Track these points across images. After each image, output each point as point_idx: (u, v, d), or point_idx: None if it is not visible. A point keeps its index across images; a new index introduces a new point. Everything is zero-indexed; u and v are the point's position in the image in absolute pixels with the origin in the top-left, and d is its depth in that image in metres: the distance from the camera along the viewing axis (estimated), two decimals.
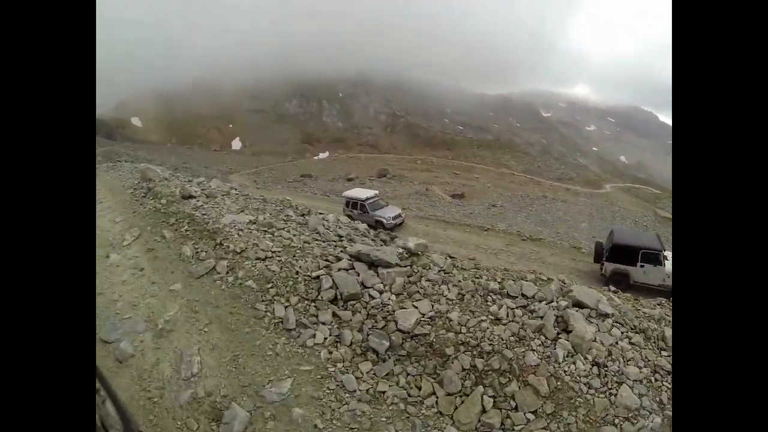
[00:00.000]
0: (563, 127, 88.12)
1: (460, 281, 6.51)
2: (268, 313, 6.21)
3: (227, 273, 7.10)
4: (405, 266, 6.82)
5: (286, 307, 6.26)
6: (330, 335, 5.85)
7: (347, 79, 75.82)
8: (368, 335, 5.71)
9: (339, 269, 6.79)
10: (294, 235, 8.52)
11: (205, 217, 9.25)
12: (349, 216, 15.54)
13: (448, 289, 6.35)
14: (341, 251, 7.75)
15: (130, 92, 68.60)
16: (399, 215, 18.00)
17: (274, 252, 7.51)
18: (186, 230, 8.80)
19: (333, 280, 6.49)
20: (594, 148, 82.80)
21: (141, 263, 7.91)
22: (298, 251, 7.66)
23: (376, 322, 5.91)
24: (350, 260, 7.01)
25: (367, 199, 17.90)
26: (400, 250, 7.19)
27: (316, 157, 54.16)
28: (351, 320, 6.01)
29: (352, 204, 17.96)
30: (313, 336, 5.82)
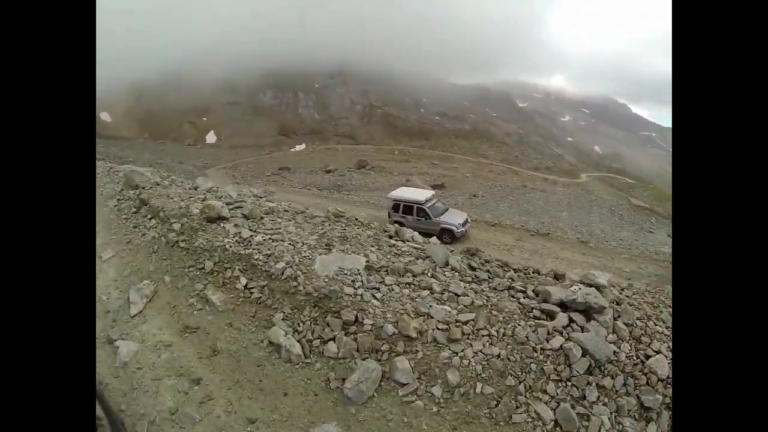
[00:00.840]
0: (539, 118, 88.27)
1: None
2: (537, 422, 4.23)
3: (424, 383, 4.37)
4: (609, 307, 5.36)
5: (551, 407, 4.35)
6: (611, 414, 4.37)
7: (324, 70, 75.22)
8: (638, 396, 4.64)
9: (562, 327, 5.01)
10: (447, 285, 5.64)
11: (274, 260, 5.52)
12: (398, 223, 12.75)
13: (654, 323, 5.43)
14: (520, 298, 5.60)
15: (99, 86, 67.13)
16: (466, 221, 14.50)
17: (462, 322, 4.92)
18: (252, 289, 5.27)
19: (581, 345, 4.72)
20: (569, 139, 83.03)
21: (182, 364, 4.44)
22: (484, 310, 5.15)
23: (635, 378, 4.77)
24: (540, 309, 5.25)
25: (427, 201, 14.27)
26: (588, 289, 5.45)
27: (292, 150, 53.54)
28: (614, 386, 4.67)
29: (405, 208, 14.28)
30: (601, 424, 4.25)
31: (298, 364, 4.48)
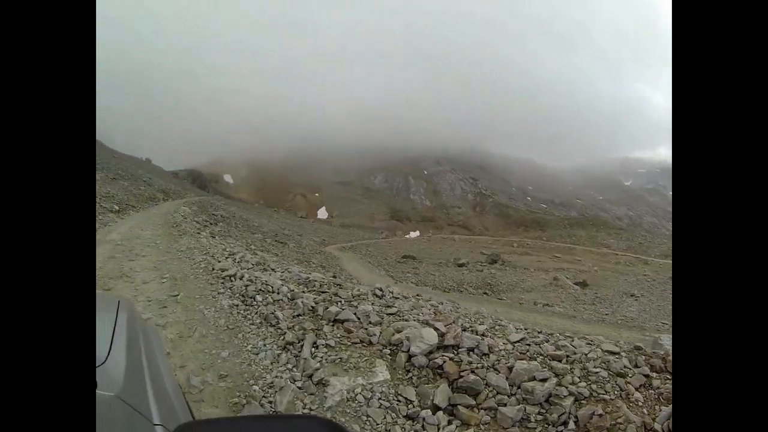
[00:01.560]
0: (649, 195, 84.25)
1: None
2: None
3: None
4: None
5: None
6: None
7: (429, 155, 76.10)
8: None
9: None
10: None
11: None
12: None
13: None
14: None
15: (225, 151, 75.57)
16: None
17: None
18: None
19: None
20: None
21: None
22: None
23: None
24: None
25: None
26: None
27: (407, 236, 52.71)
28: None
29: None
30: None
31: None
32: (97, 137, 43.33)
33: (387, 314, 4.80)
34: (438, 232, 55.10)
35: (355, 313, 4.59)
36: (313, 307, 4.77)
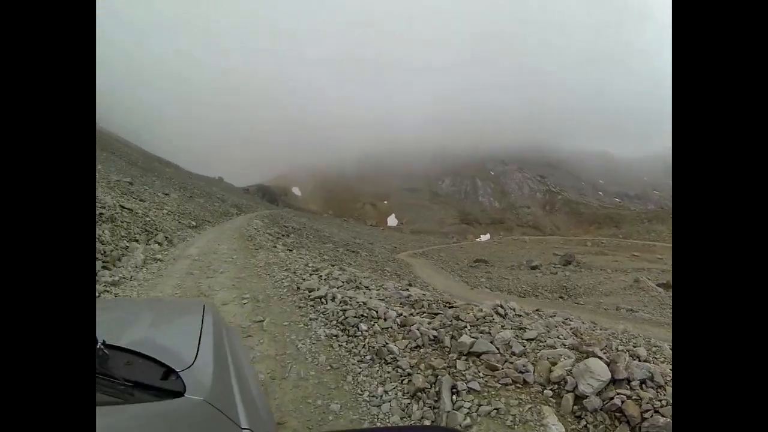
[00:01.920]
0: None
1: None
2: None
3: None
4: None
5: None
6: None
7: (495, 155, 75.21)
8: None
9: None
10: None
11: None
12: None
13: None
14: None
15: (293, 165, 78.49)
16: None
17: None
18: None
19: None
20: None
21: None
22: None
23: None
24: None
25: None
26: None
27: (478, 239, 51.22)
28: None
29: None
30: None
31: None
32: (173, 160, 43.39)
33: (525, 340, 3.84)
34: (508, 234, 53.58)
35: (491, 342, 3.61)
36: (434, 336, 3.81)
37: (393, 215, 64.71)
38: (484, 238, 53.67)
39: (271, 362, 3.55)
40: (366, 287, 5.99)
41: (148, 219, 10.21)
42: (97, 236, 7.17)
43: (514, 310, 5.03)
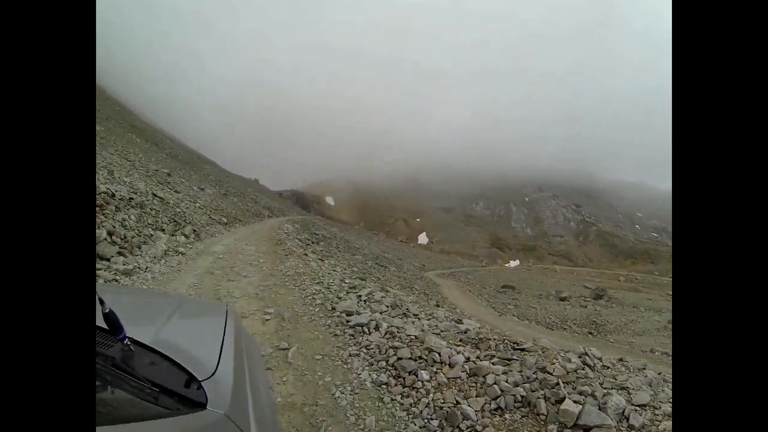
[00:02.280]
0: None
1: None
2: None
3: None
4: None
5: None
6: None
7: (532, 181, 74.37)
8: None
9: None
10: None
11: None
12: None
13: None
14: None
15: (329, 174, 79.08)
16: None
17: None
18: None
19: None
20: None
21: None
22: None
23: None
24: None
25: None
26: None
27: (507, 265, 49.66)
28: None
29: None
30: None
31: None
32: (213, 158, 43.51)
33: (637, 406, 2.99)
34: (538, 262, 52.39)
35: (600, 408, 2.71)
36: (523, 396, 2.84)
37: (424, 233, 63.89)
38: (514, 264, 52.20)
39: (297, 415, 2.59)
40: (415, 315, 5.04)
41: (178, 210, 9.91)
42: (121, 221, 6.86)
43: (600, 360, 4.14)
